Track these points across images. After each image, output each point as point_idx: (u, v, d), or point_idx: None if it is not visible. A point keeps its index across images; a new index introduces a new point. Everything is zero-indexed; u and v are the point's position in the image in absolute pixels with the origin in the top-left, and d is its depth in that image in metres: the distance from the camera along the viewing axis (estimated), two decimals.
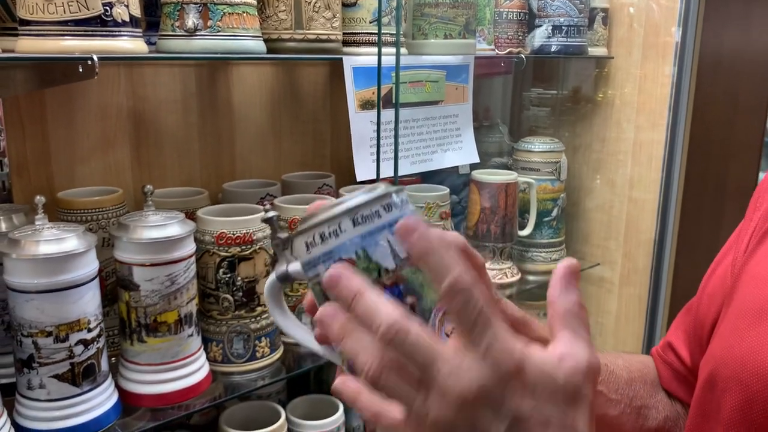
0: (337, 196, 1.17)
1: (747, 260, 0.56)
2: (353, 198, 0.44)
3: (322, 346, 0.48)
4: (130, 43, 0.82)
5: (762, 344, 0.48)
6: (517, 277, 1.40)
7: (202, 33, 0.88)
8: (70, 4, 0.76)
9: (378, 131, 1.00)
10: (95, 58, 0.75)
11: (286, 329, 0.51)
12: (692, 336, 0.65)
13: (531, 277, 1.47)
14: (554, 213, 1.48)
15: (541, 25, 1.39)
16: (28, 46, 0.78)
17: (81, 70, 0.76)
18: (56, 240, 0.78)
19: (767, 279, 0.52)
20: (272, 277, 0.50)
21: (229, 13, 0.88)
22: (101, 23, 0.77)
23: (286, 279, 0.49)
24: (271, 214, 0.49)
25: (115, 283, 0.93)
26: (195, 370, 0.93)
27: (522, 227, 1.44)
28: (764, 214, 0.57)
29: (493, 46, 1.28)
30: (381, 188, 0.45)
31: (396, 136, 1.02)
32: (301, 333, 0.51)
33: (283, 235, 0.49)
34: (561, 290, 0.42)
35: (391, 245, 0.43)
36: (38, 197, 0.82)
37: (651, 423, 0.64)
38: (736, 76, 1.76)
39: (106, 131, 1.11)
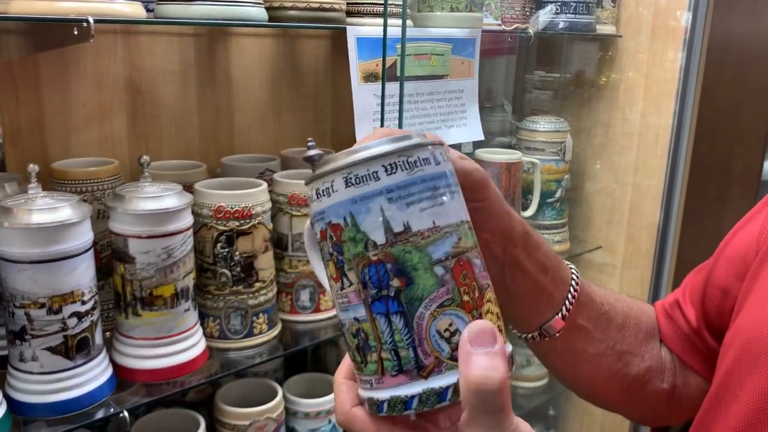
0: None
1: None
2: (354, 152, 0.38)
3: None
4: (128, 7, 0.79)
5: None
6: None
7: None
8: None
9: (382, 105, 0.97)
10: (91, 20, 0.72)
11: (321, 278, 0.47)
12: (701, 297, 0.64)
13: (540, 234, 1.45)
14: (558, 194, 1.46)
15: (549, 2, 1.36)
16: (21, 7, 0.75)
17: (76, 32, 0.74)
18: (50, 209, 0.75)
19: None
20: (308, 222, 0.46)
21: None
22: None
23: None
24: (313, 152, 0.42)
25: (110, 256, 0.91)
26: (191, 346, 0.91)
27: (525, 208, 1.42)
28: None
29: (499, 21, 1.25)
30: (397, 142, 0.38)
31: (401, 111, 0.99)
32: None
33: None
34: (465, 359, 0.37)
35: (385, 215, 0.37)
36: (32, 165, 0.80)
37: (631, 369, 0.63)
38: (744, 62, 1.74)
39: (102, 101, 1.09)
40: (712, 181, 1.74)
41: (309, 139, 0.43)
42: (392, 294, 0.38)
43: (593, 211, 1.63)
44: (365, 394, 0.40)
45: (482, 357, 0.36)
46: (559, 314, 0.57)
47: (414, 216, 0.38)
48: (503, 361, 0.36)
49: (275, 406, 1.04)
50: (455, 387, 0.37)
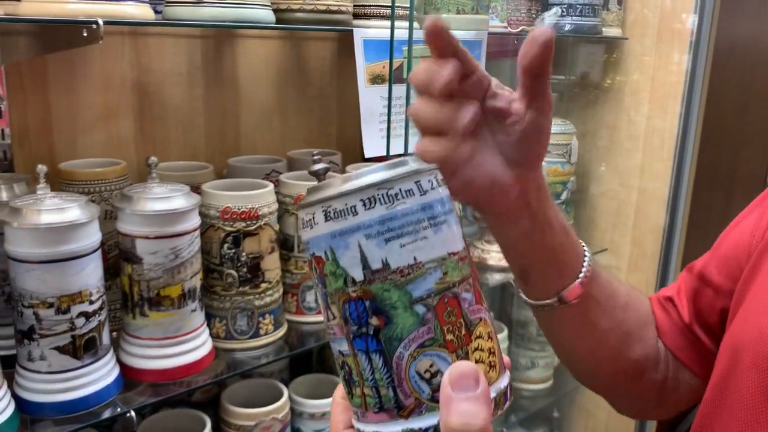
0: (343, 174, 1.15)
1: None
2: (337, 181, 0.37)
3: None
4: (136, 9, 0.79)
5: None
6: None
7: (210, 0, 0.86)
8: None
9: (389, 107, 0.97)
10: (100, 22, 0.73)
11: None
12: (693, 293, 0.65)
13: None
14: (564, 196, 1.46)
15: (554, 4, 1.36)
16: (31, 9, 0.75)
17: (85, 34, 0.74)
18: (58, 209, 0.76)
19: None
20: None
21: None
22: None
23: None
24: (318, 166, 0.41)
25: (117, 256, 0.91)
26: (197, 346, 0.92)
27: None
28: None
29: (505, 24, 1.26)
30: (370, 176, 0.37)
31: (407, 113, 0.99)
32: None
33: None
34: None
35: (362, 251, 0.36)
36: (40, 166, 0.80)
37: (632, 353, 0.64)
38: (750, 65, 1.74)
39: (109, 102, 1.09)
40: (717, 184, 1.74)
41: (314, 152, 0.42)
42: (371, 332, 0.36)
43: (598, 213, 1.63)
44: (354, 423, 0.40)
45: (463, 403, 0.34)
46: (578, 280, 0.57)
47: (393, 252, 0.36)
48: (485, 407, 0.34)
49: (281, 406, 1.04)
50: (435, 429, 0.36)
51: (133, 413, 0.83)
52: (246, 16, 0.88)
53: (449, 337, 0.36)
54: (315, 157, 0.41)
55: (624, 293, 0.64)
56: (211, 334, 0.96)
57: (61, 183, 0.94)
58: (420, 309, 0.36)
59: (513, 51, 1.53)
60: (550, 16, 1.35)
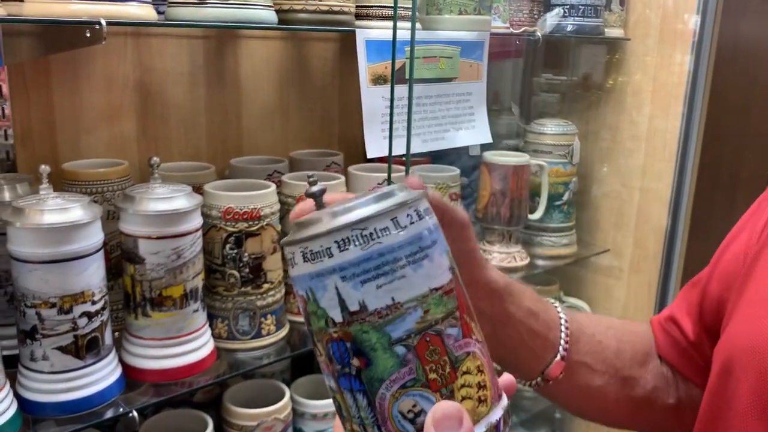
0: (345, 174, 1.15)
1: (763, 246, 0.55)
2: (311, 221, 0.36)
3: None
4: (139, 9, 0.80)
5: None
6: (525, 262, 1.39)
7: (213, 1, 0.86)
8: None
9: (391, 108, 0.97)
10: (103, 22, 0.73)
11: None
12: (698, 311, 0.64)
13: (540, 262, 1.46)
14: (565, 197, 1.46)
15: (556, 5, 1.36)
16: (35, 9, 0.75)
17: (89, 35, 0.74)
18: (61, 210, 0.76)
19: None
20: None
21: None
22: None
23: None
24: (315, 188, 0.39)
25: (119, 257, 0.91)
26: (200, 346, 0.92)
27: (532, 211, 1.42)
28: None
29: (508, 24, 1.26)
30: (344, 216, 0.36)
31: (409, 114, 0.99)
32: None
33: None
34: None
35: (339, 293, 0.35)
36: (43, 166, 0.80)
37: (638, 392, 0.64)
38: (753, 66, 1.74)
39: (111, 102, 1.09)
40: (720, 184, 1.74)
41: (309, 174, 0.42)
42: (354, 372, 0.36)
43: (600, 214, 1.63)
44: None
45: None
46: (558, 356, 0.57)
47: (369, 294, 0.35)
48: None
49: (283, 407, 1.04)
50: None
51: (135, 413, 0.83)
52: (248, 17, 0.88)
53: (432, 376, 0.36)
54: (311, 179, 0.40)
55: (613, 337, 0.64)
56: (213, 335, 0.96)
57: (63, 183, 0.94)
58: (400, 350, 0.35)
59: (514, 52, 1.53)
60: (552, 17, 1.35)
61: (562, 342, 0.58)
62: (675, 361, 0.66)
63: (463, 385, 0.37)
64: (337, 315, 0.35)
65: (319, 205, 0.39)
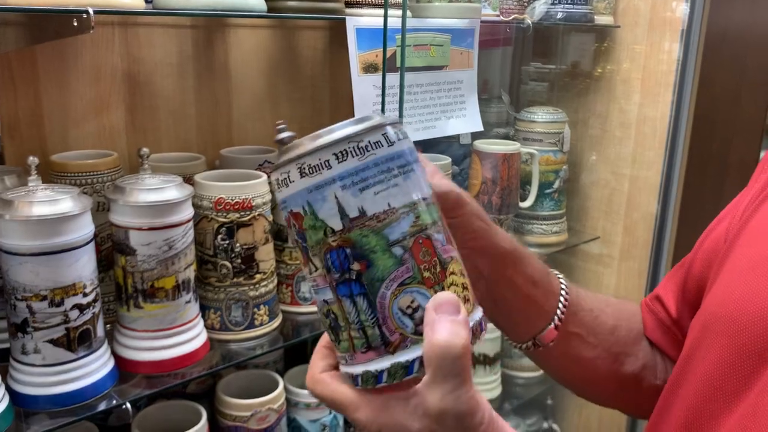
0: None
1: (743, 225, 0.56)
2: (307, 141, 0.39)
3: None
4: None
5: (753, 292, 0.48)
6: None
7: None
8: None
9: (383, 96, 0.97)
10: (91, 11, 0.72)
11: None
12: (681, 290, 0.66)
13: (531, 250, 1.46)
14: (556, 185, 1.46)
15: None
16: None
17: (76, 24, 0.73)
18: (50, 201, 0.75)
19: (760, 238, 0.52)
20: None
21: None
22: None
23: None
24: (284, 135, 0.42)
25: (109, 249, 0.90)
26: (192, 338, 0.91)
27: (523, 199, 1.42)
28: (765, 182, 0.57)
29: (498, 12, 1.25)
30: (340, 131, 0.39)
31: (401, 102, 0.99)
32: None
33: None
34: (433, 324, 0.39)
35: (339, 202, 0.38)
36: (32, 158, 0.79)
37: (627, 368, 0.64)
38: (742, 53, 1.74)
39: (100, 93, 1.08)
40: (709, 171, 1.75)
41: (279, 121, 0.43)
42: (354, 277, 0.39)
43: (591, 202, 1.64)
44: (341, 368, 0.42)
45: (447, 323, 0.38)
46: (552, 324, 0.58)
47: (368, 200, 0.39)
48: (466, 330, 0.38)
49: (276, 397, 1.04)
50: (421, 360, 0.39)
51: (128, 405, 0.83)
52: (237, 5, 0.87)
53: (426, 274, 0.40)
54: (280, 126, 0.42)
55: (611, 314, 0.65)
56: (205, 326, 0.96)
57: (52, 175, 0.93)
58: (397, 251, 0.39)
59: (503, 40, 1.53)
60: (541, 5, 1.34)
61: (558, 312, 0.58)
62: (659, 339, 0.67)
63: (451, 284, 0.41)
64: (336, 223, 0.38)
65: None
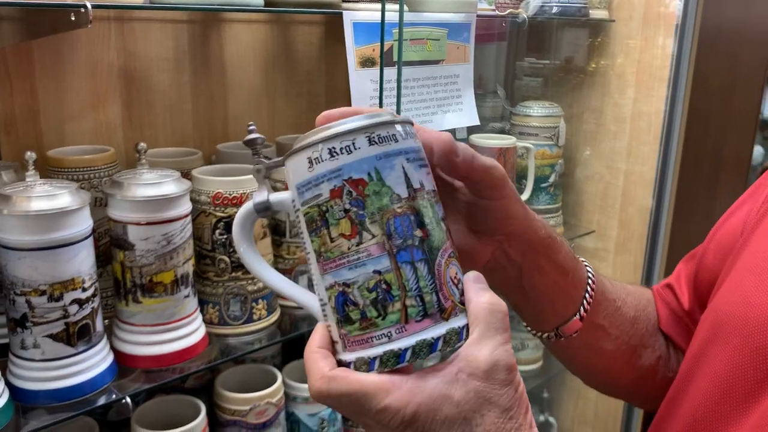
0: None
1: (761, 217, 0.55)
2: (364, 118, 0.41)
3: (287, 288, 0.47)
4: None
5: (763, 295, 0.48)
6: None
7: None
8: None
9: (380, 90, 0.97)
10: (89, 5, 0.72)
11: (252, 267, 0.47)
12: (694, 281, 0.65)
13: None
14: (552, 179, 1.47)
15: None
16: None
17: (73, 18, 0.73)
18: (48, 196, 0.75)
19: None
20: (248, 205, 0.46)
21: None
22: None
23: (265, 209, 0.45)
24: (253, 135, 0.44)
25: (107, 244, 0.90)
26: (191, 332, 0.91)
27: (519, 193, 1.42)
28: None
29: (493, 7, 1.26)
30: (389, 114, 0.42)
31: (398, 96, 0.99)
32: (268, 273, 0.48)
33: (267, 159, 0.45)
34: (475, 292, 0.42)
35: (406, 172, 0.41)
36: (29, 153, 0.79)
37: (644, 361, 0.64)
38: (735, 48, 1.75)
39: (96, 88, 1.08)
40: (703, 165, 1.75)
41: (250, 123, 0.44)
42: (416, 243, 0.40)
43: (586, 196, 1.64)
44: (377, 350, 0.40)
45: (489, 291, 0.42)
46: (577, 315, 0.56)
47: (424, 177, 0.42)
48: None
49: (275, 391, 1.04)
50: (467, 327, 0.41)
51: (128, 399, 0.83)
52: (234, 0, 0.87)
53: (456, 253, 0.43)
54: (250, 127, 0.44)
55: (632, 305, 0.63)
56: (204, 320, 0.96)
57: (49, 170, 0.93)
58: (444, 226, 0.42)
59: (498, 35, 1.53)
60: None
61: (585, 303, 0.57)
62: (672, 330, 0.66)
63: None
64: (403, 191, 0.40)
65: (256, 153, 0.45)
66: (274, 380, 1.06)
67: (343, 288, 0.41)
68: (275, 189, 0.46)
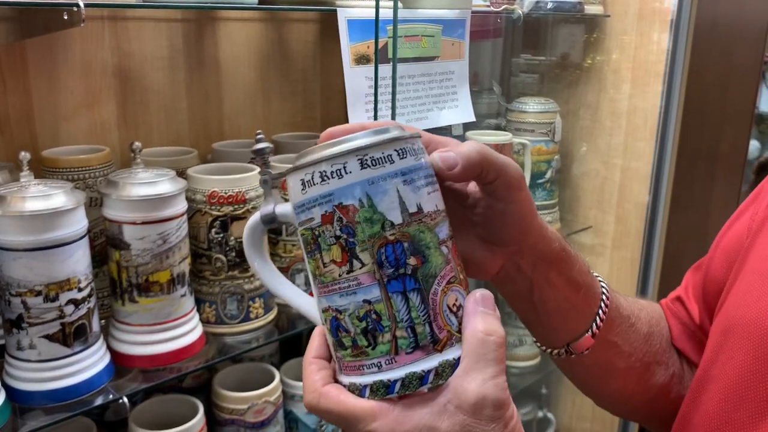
0: None
1: (764, 221, 0.54)
2: (363, 137, 0.39)
3: (302, 302, 0.46)
4: None
5: None
6: None
7: None
8: None
9: (375, 87, 0.97)
10: (81, 3, 0.71)
11: (264, 277, 0.47)
12: (702, 292, 0.63)
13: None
14: (548, 175, 1.47)
15: None
16: None
17: (66, 17, 0.73)
18: (43, 196, 0.75)
19: None
20: (256, 217, 0.45)
21: None
22: None
23: (271, 221, 0.45)
24: (262, 145, 0.43)
25: (103, 244, 0.90)
26: (188, 331, 0.91)
27: None
28: None
29: (488, 3, 1.25)
30: (395, 131, 0.40)
31: (393, 93, 0.99)
32: (279, 283, 0.47)
33: (274, 171, 0.45)
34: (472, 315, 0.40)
35: (401, 196, 0.38)
36: (23, 153, 0.79)
37: (658, 379, 0.61)
38: (731, 43, 1.75)
39: (90, 88, 1.08)
40: (699, 160, 1.76)
41: (258, 132, 0.44)
42: (409, 272, 0.39)
43: (582, 192, 1.64)
44: (368, 378, 0.40)
45: (489, 316, 0.39)
46: (589, 332, 0.54)
47: (423, 198, 0.39)
48: (501, 326, 0.39)
49: (273, 389, 1.04)
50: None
51: (125, 399, 0.83)
52: None
53: (461, 276, 0.41)
54: (258, 136, 0.43)
55: (646, 321, 0.61)
56: (201, 319, 0.96)
57: (44, 171, 0.93)
58: (444, 250, 0.40)
59: (493, 31, 1.53)
60: None
61: (597, 320, 0.54)
62: (685, 345, 0.64)
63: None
64: (396, 217, 0.38)
65: (265, 162, 0.44)
66: (272, 379, 1.06)
67: (335, 314, 0.40)
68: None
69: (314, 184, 0.39)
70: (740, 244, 0.57)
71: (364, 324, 0.39)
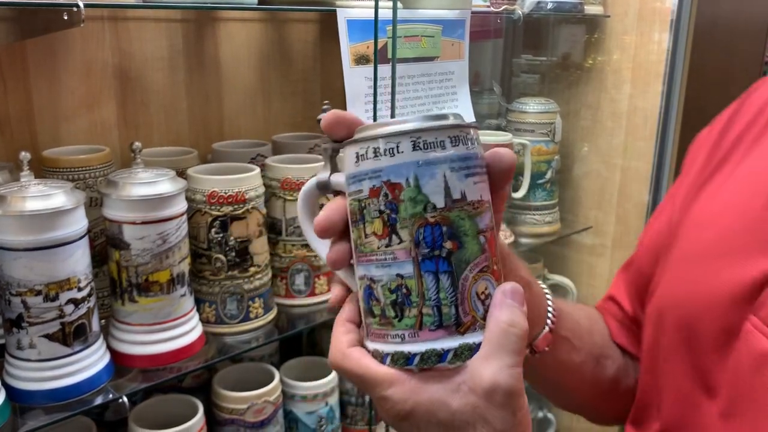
0: None
1: (686, 210, 0.58)
2: (419, 120, 0.41)
3: (342, 270, 0.47)
4: None
5: (700, 280, 0.50)
6: (510, 240, 1.39)
7: None
8: None
9: (375, 87, 0.97)
10: (81, 4, 0.71)
11: (312, 242, 0.49)
12: (633, 287, 0.67)
13: (524, 240, 1.47)
14: (548, 175, 1.47)
15: None
16: None
17: (66, 18, 0.73)
18: (43, 196, 0.75)
19: (705, 224, 0.54)
20: (312, 182, 0.48)
21: None
22: None
23: (325, 188, 0.47)
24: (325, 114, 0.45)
25: (103, 243, 0.90)
26: (188, 331, 0.91)
27: (516, 189, 1.43)
28: (700, 168, 0.59)
29: (488, 3, 1.26)
30: (452, 118, 0.42)
31: (393, 93, 0.99)
32: (326, 247, 0.48)
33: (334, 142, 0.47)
34: (499, 306, 0.41)
35: (447, 182, 0.40)
36: (23, 153, 0.79)
37: (608, 372, 0.65)
38: (731, 44, 1.75)
39: (91, 88, 1.08)
40: None
41: (325, 102, 0.45)
42: (444, 255, 0.40)
43: (582, 192, 1.64)
44: (390, 347, 0.42)
45: (515, 308, 0.40)
46: (546, 327, 0.58)
47: (469, 187, 0.41)
48: (526, 320, 0.41)
49: (273, 389, 1.04)
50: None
51: (125, 399, 0.83)
52: None
53: (495, 267, 0.43)
54: (324, 106, 0.44)
55: (585, 318, 0.66)
56: (200, 319, 0.96)
57: (44, 171, 0.93)
58: (482, 239, 0.41)
59: (494, 31, 1.53)
60: None
61: (550, 314, 0.58)
62: (624, 340, 0.67)
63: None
64: (439, 200, 0.40)
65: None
66: (272, 378, 1.06)
67: (369, 282, 0.42)
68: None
69: (367, 159, 0.41)
70: (662, 238, 0.61)
71: (394, 296, 0.41)
